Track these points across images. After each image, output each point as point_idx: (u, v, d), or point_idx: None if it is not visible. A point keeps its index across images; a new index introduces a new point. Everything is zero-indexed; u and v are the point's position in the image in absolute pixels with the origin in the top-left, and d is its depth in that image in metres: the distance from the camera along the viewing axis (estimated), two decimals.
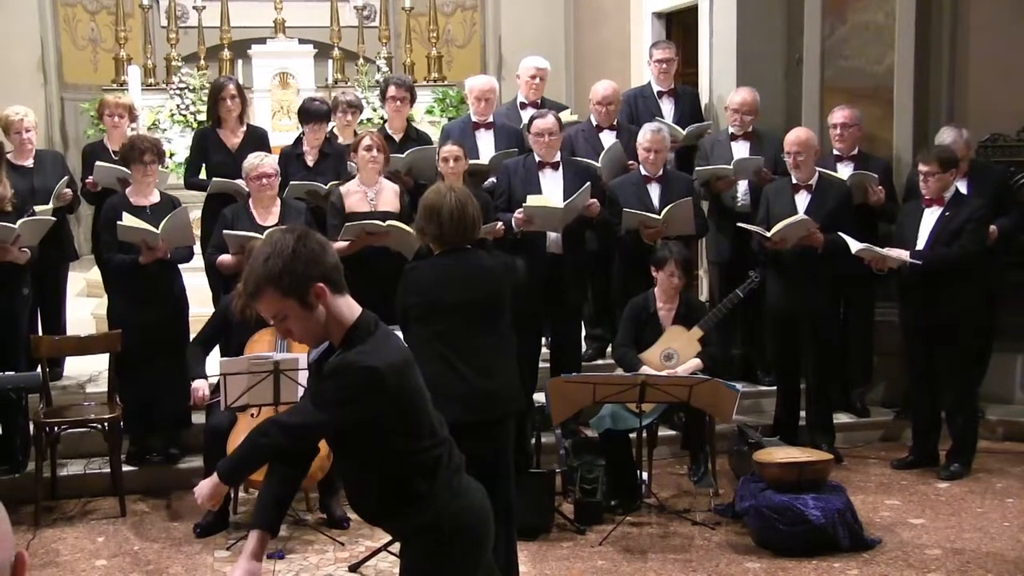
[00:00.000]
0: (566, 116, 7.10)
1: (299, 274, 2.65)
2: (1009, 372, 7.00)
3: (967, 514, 5.60)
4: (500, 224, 6.12)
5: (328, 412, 2.72)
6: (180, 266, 6.07)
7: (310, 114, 6.60)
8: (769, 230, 6.10)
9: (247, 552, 2.79)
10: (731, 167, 6.73)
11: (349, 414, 2.70)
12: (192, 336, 6.08)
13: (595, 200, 6.23)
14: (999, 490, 5.96)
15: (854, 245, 5.98)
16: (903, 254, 6.02)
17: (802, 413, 6.46)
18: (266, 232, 5.62)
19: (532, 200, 6.10)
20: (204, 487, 2.98)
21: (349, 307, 2.75)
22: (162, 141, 6.87)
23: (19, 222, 5.66)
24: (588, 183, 6.17)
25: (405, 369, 2.74)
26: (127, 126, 6.84)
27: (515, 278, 4.73)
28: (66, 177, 6.47)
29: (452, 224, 4.27)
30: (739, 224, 6.46)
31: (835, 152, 6.74)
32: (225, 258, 5.88)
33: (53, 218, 5.97)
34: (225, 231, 5.86)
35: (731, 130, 6.95)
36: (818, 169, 6.31)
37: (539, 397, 6.11)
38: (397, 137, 6.77)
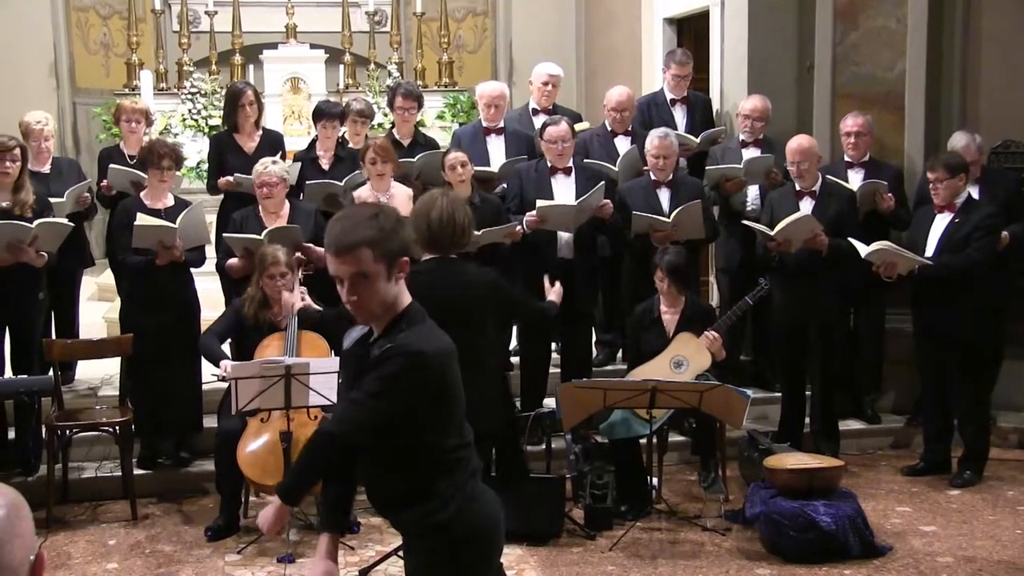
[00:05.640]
0: (580, 127, 7.10)
1: (398, 242, 2.70)
2: (1021, 379, 6.94)
3: (978, 522, 5.58)
4: (518, 227, 6.12)
5: (371, 407, 2.72)
6: (192, 270, 6.08)
7: (323, 112, 6.69)
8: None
9: (321, 553, 2.86)
10: (741, 167, 6.73)
11: (393, 402, 2.70)
12: None
13: (608, 201, 6.24)
14: (1011, 498, 5.94)
15: (863, 249, 5.96)
16: (917, 256, 6.00)
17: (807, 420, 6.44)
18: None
19: (543, 203, 6.11)
20: (268, 513, 2.91)
21: (405, 295, 2.80)
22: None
23: (36, 223, 5.68)
24: (602, 182, 6.19)
25: (448, 360, 2.77)
26: (143, 131, 6.88)
27: (503, 296, 4.74)
28: (87, 180, 6.51)
29: (441, 228, 4.31)
30: (744, 222, 6.45)
31: (846, 159, 6.73)
32: (233, 261, 5.90)
33: (71, 223, 5.98)
34: (225, 235, 5.89)
35: (742, 137, 6.96)
36: (822, 175, 6.30)
37: (549, 402, 6.11)
38: (405, 143, 6.80)
